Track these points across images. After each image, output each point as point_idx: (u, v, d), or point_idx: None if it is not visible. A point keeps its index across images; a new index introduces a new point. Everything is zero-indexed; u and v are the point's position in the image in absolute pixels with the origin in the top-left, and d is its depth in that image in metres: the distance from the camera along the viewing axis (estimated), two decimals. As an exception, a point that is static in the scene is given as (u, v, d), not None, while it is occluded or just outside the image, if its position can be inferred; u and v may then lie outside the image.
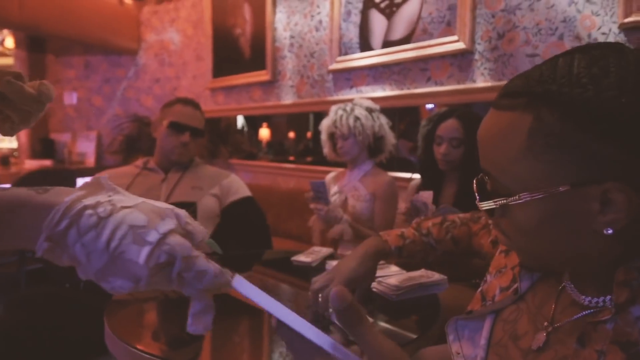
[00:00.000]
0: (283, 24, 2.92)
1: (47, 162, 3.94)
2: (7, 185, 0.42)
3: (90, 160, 4.16)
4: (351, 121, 1.86)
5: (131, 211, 0.39)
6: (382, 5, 2.35)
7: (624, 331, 0.44)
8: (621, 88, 0.42)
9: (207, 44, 3.55)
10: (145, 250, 0.37)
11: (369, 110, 1.91)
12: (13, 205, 0.38)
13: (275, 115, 3.37)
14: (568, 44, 1.73)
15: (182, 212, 0.43)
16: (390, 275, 1.16)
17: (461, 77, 2.06)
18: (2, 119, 0.52)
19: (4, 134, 0.54)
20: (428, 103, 2.28)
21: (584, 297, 0.51)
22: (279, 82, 2.99)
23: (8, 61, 4.76)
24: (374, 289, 1.13)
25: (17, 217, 0.38)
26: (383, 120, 1.93)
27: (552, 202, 0.46)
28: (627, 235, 0.45)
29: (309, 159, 3.24)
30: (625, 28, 1.58)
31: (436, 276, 1.15)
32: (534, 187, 0.46)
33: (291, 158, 3.44)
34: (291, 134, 3.70)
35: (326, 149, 2.02)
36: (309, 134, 3.58)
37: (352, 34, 2.50)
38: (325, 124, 1.97)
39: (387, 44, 2.33)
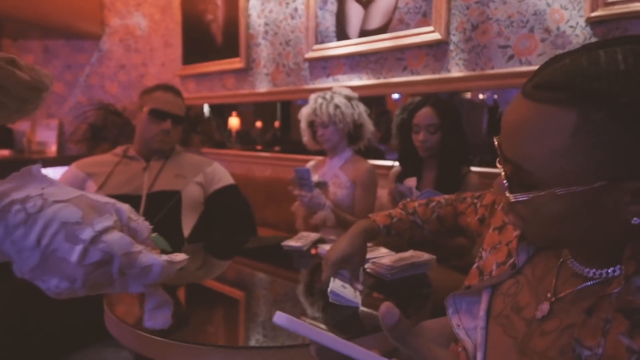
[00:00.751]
0: (257, 10, 2.90)
1: (5, 152, 3.75)
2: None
3: (52, 150, 3.98)
4: (331, 109, 1.89)
5: (64, 206, 0.36)
6: (359, -6, 2.37)
7: (627, 299, 0.46)
8: None
9: (176, 29, 3.46)
10: (78, 249, 0.36)
11: (348, 99, 1.95)
12: None
13: (245, 103, 3.34)
14: (538, 36, 1.82)
15: (125, 207, 0.41)
16: (383, 256, 1.21)
17: (436, 66, 2.13)
18: None
19: (1, 122, 0.52)
20: (404, 92, 2.34)
21: (587, 269, 0.54)
22: (253, 70, 2.97)
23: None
24: (369, 270, 1.17)
25: None
26: (362, 108, 1.96)
27: (585, 195, 0.46)
28: None
29: (276, 148, 3.25)
30: (591, 22, 1.68)
31: (425, 256, 1.21)
32: (570, 182, 0.46)
33: (258, 147, 3.43)
34: (258, 124, 3.69)
35: (306, 137, 2.04)
36: (276, 123, 3.57)
37: (329, 22, 2.51)
38: (304, 112, 1.99)
39: (363, 33, 2.36)
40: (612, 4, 1.60)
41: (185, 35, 3.40)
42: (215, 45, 3.17)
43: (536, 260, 0.63)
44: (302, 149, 2.27)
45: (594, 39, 1.69)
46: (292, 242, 1.45)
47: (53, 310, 1.23)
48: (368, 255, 1.22)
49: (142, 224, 0.42)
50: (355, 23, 2.40)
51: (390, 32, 2.25)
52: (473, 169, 1.82)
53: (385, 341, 0.79)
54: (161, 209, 1.55)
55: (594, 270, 0.53)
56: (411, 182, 1.58)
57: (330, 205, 1.82)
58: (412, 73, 2.21)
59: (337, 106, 1.89)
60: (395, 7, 2.23)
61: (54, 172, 1.35)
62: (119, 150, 1.71)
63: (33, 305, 1.20)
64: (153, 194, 1.58)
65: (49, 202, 0.36)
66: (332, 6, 2.49)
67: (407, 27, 2.19)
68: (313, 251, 1.46)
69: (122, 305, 0.98)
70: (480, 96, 2.79)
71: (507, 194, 0.52)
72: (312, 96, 1.96)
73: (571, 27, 1.74)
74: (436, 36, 2.07)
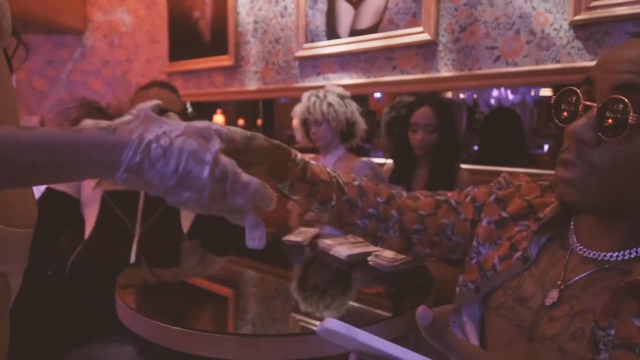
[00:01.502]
0: (246, 8, 2.90)
1: (-17, 149, 3.66)
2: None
3: (33, 147, 3.90)
4: (324, 107, 1.92)
5: (184, 139, 0.46)
6: (349, -6, 2.41)
7: (638, 281, 0.48)
8: None
9: (162, 26, 3.44)
10: (207, 168, 0.46)
11: (341, 97, 1.99)
12: (92, 144, 0.45)
13: (228, 101, 3.34)
14: (524, 38, 1.89)
15: (218, 127, 0.51)
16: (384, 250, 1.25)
17: (426, 66, 2.18)
18: None
19: None
20: (394, 91, 2.39)
21: (597, 252, 0.57)
22: (242, 68, 2.98)
23: None
24: (370, 263, 1.22)
25: (97, 153, 0.45)
26: (354, 106, 2.01)
27: None
28: None
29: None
30: (574, 25, 1.76)
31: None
32: None
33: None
34: (240, 121, 3.69)
35: (299, 135, 2.07)
36: (259, 121, 3.57)
37: (319, 21, 2.54)
38: (298, 110, 2.02)
39: (354, 32, 2.40)
40: (594, 8, 1.68)
41: (171, 31, 3.37)
42: (203, 42, 3.16)
43: (541, 254, 0.66)
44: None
45: (577, 42, 1.77)
46: (293, 237, 1.49)
47: (56, 306, 1.24)
48: (370, 249, 1.26)
49: (235, 130, 0.55)
50: (345, 22, 2.44)
51: (381, 32, 2.29)
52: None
53: (381, 334, 0.83)
54: (160, 205, 1.56)
55: (604, 253, 0.56)
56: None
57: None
58: (402, 72, 2.26)
59: (330, 104, 1.93)
60: (386, 8, 2.27)
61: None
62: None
63: (36, 302, 1.20)
64: (151, 191, 1.59)
65: (173, 137, 0.46)
66: (323, 5, 2.52)
67: (397, 27, 2.24)
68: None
69: (135, 296, 1.00)
70: (461, 95, 2.87)
71: (599, 134, 0.52)
72: (306, 94, 2.00)
73: (555, 29, 1.82)
74: (425, 37, 2.13)
